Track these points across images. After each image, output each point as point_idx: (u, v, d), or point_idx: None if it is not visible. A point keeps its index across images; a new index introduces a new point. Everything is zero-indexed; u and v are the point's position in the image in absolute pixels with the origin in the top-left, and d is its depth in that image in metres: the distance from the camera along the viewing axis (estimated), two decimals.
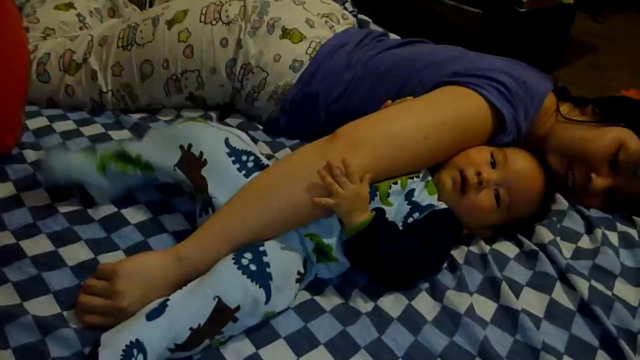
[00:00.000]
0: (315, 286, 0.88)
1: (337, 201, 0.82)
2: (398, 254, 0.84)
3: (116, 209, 0.94)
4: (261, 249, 0.79)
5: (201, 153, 0.89)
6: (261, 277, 0.76)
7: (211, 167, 0.89)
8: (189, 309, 0.72)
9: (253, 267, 0.76)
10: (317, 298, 0.85)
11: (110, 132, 1.15)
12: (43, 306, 0.77)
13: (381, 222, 0.85)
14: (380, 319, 0.83)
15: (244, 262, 0.76)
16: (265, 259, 0.78)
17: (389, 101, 1.02)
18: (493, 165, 0.95)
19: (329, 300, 0.85)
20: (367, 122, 0.93)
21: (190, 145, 0.89)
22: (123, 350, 0.65)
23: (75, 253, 0.86)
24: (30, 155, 1.03)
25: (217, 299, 0.73)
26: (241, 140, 0.94)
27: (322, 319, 0.82)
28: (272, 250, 0.80)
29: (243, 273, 0.75)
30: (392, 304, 0.85)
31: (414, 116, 0.93)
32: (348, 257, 0.86)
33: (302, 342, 0.78)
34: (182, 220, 0.94)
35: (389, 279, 0.87)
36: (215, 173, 0.89)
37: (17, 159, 1.02)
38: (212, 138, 0.91)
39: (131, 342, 0.67)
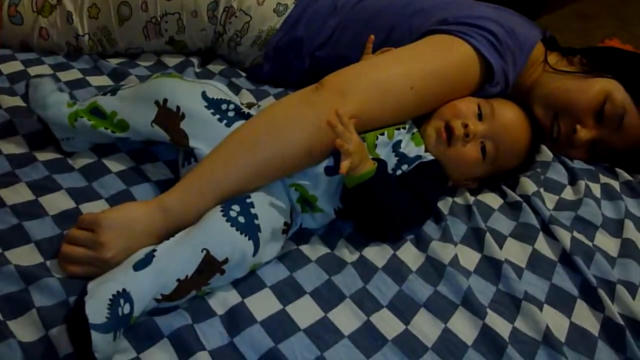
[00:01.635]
0: (301, 236, 0.88)
1: (350, 159, 0.78)
2: (393, 205, 0.84)
3: (97, 158, 0.92)
4: (248, 200, 0.78)
5: (178, 107, 0.87)
6: (249, 229, 0.75)
7: (190, 119, 0.87)
8: (176, 260, 0.71)
9: (241, 220, 0.75)
10: (302, 247, 0.86)
11: (88, 78, 1.11)
12: (25, 256, 0.76)
13: (384, 172, 0.85)
14: (365, 269, 0.83)
15: (232, 214, 0.75)
16: (253, 210, 0.77)
17: (372, 36, 1.00)
18: (480, 117, 0.94)
19: (315, 250, 0.86)
20: (354, 71, 0.91)
21: (165, 100, 0.87)
22: (110, 300, 0.65)
23: (56, 202, 0.84)
24: (5, 100, 1.00)
25: (205, 251, 0.72)
26: (219, 90, 0.92)
27: (308, 268, 0.82)
28: (259, 201, 0.79)
29: (232, 225, 0.74)
30: (377, 254, 0.86)
31: (401, 66, 0.92)
32: (344, 207, 0.85)
33: (287, 291, 0.78)
34: (165, 169, 0.93)
35: (378, 229, 0.87)
36: (195, 125, 0.87)
37: None
38: (187, 92, 0.89)
39: (118, 291, 0.66)
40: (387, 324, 0.77)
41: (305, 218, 0.88)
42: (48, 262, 0.76)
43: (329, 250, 0.86)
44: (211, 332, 0.71)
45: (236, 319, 0.73)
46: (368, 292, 0.80)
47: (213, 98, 0.89)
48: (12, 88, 1.05)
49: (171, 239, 0.75)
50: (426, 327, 0.77)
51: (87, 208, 0.84)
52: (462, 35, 0.97)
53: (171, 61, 1.22)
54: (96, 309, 0.64)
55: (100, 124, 0.89)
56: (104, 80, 1.12)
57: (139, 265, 0.70)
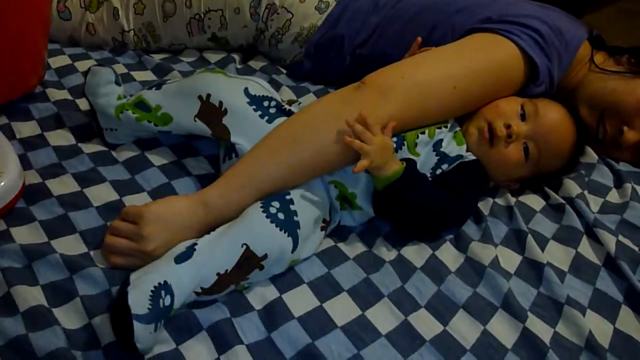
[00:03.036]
0: (339, 233, 0.88)
1: (368, 159, 0.79)
2: (428, 205, 0.83)
3: (140, 151, 0.94)
4: (288, 197, 0.79)
5: (220, 102, 0.88)
6: (289, 225, 0.76)
7: (232, 115, 0.88)
8: (216, 254, 0.72)
9: (281, 216, 0.76)
10: (340, 245, 0.85)
11: (132, 73, 1.13)
12: (70, 245, 0.78)
13: (413, 172, 0.84)
14: (403, 268, 0.83)
15: (272, 210, 0.76)
16: (292, 207, 0.78)
17: (419, 38, 0.98)
18: (523, 117, 0.92)
19: (353, 248, 0.85)
20: (396, 70, 0.90)
21: (209, 95, 0.88)
22: (151, 292, 0.66)
23: (101, 193, 0.86)
24: (53, 94, 1.03)
25: (245, 247, 0.73)
26: (261, 86, 0.93)
27: (346, 265, 0.82)
28: (299, 198, 0.80)
29: (272, 222, 0.75)
30: (415, 253, 0.85)
31: (444, 65, 0.91)
32: (377, 209, 0.85)
33: (325, 288, 0.78)
34: (206, 164, 0.94)
35: (415, 229, 0.87)
36: (237, 121, 0.88)
37: (41, 97, 1.02)
38: (230, 87, 0.90)
39: (159, 283, 0.67)
40: (425, 324, 0.76)
41: (343, 215, 0.88)
42: (92, 252, 0.78)
43: (367, 249, 0.86)
44: (249, 326, 0.72)
45: (274, 314, 0.74)
46: (406, 292, 0.80)
47: (255, 95, 0.90)
48: (60, 82, 1.08)
49: (212, 233, 0.75)
50: (465, 328, 0.76)
51: (130, 200, 0.85)
52: (506, 34, 0.95)
53: (213, 57, 1.24)
54: (138, 300, 0.65)
55: (144, 117, 0.90)
56: (147, 75, 1.14)
57: (180, 258, 0.71)
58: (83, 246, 0.78)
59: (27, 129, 0.95)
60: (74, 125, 0.97)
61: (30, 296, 0.70)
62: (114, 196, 0.86)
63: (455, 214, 0.87)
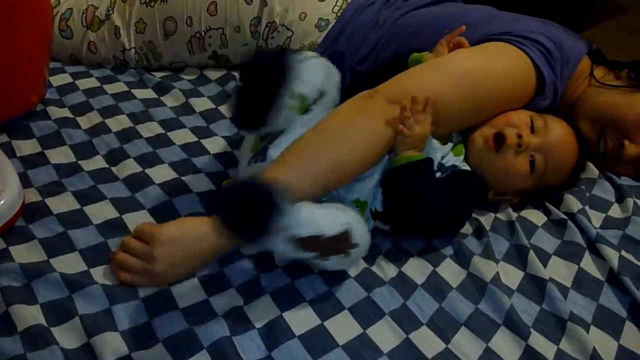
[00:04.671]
0: None
1: (410, 133, 0.83)
2: (433, 193, 0.84)
3: (140, 169, 0.94)
4: None
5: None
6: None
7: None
8: (325, 217, 0.74)
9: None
10: None
11: (133, 91, 1.14)
12: (69, 263, 0.78)
13: (430, 164, 0.86)
14: (404, 285, 0.82)
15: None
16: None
17: (463, 27, 0.98)
18: (532, 130, 0.92)
19: (354, 266, 0.84)
20: (412, 83, 0.88)
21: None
22: None
23: (100, 211, 0.86)
24: (54, 112, 1.03)
25: (346, 226, 0.74)
26: None
27: (347, 284, 0.81)
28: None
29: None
30: (416, 270, 0.85)
31: (461, 79, 0.89)
32: (385, 184, 0.86)
33: (326, 306, 0.77)
34: (207, 181, 0.94)
35: (417, 221, 0.86)
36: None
37: (42, 116, 1.02)
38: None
39: None
40: (427, 342, 0.75)
41: None
42: (91, 270, 0.77)
43: (367, 266, 0.85)
44: (249, 345, 0.71)
45: (274, 333, 0.73)
46: (407, 309, 0.79)
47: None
48: (61, 100, 1.08)
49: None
50: (467, 346, 0.75)
51: (130, 218, 0.85)
52: (518, 44, 0.95)
53: (213, 75, 1.24)
54: None
55: None
56: (148, 93, 1.15)
57: None
58: (83, 264, 0.78)
59: (27, 147, 0.95)
60: (74, 143, 0.98)
61: (29, 315, 0.69)
62: (114, 214, 0.86)
63: (452, 213, 0.87)
